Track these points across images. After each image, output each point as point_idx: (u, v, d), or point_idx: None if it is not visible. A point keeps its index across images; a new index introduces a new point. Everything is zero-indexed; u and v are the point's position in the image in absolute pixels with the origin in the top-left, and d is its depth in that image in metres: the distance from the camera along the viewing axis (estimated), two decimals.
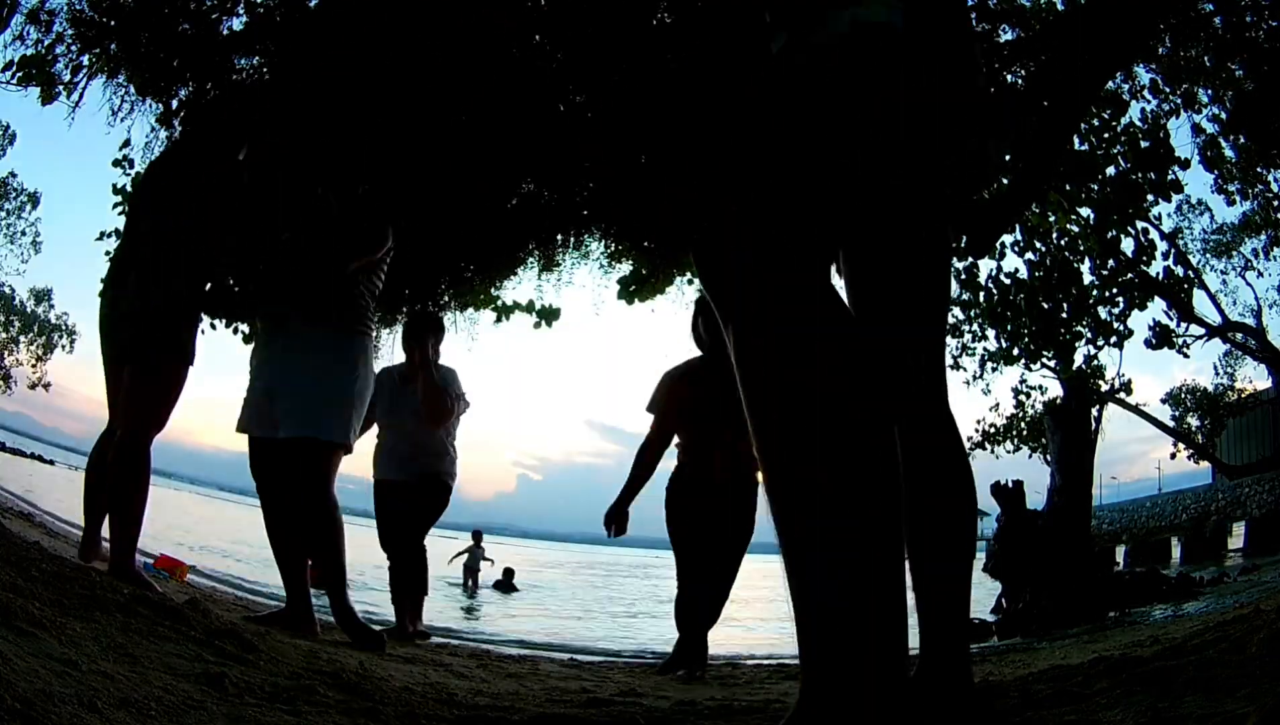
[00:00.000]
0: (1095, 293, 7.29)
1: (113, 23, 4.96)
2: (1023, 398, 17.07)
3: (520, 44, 4.77)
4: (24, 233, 26.11)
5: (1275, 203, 10.62)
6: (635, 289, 6.36)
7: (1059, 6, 5.27)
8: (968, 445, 17.47)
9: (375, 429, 4.52)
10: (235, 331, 6.12)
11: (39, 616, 1.65)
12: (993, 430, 20.24)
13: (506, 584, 11.83)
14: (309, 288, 3.11)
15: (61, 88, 5.12)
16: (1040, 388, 16.31)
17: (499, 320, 6.85)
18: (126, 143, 5.86)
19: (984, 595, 12.17)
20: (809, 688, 1.11)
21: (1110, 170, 5.91)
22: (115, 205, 6.13)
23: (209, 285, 3.56)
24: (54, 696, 1.18)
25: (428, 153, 3.11)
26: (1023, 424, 19.07)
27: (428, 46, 4.36)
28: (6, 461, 18.42)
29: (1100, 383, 11.66)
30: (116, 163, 6.00)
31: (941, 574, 1.55)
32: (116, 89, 5.29)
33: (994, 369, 14.03)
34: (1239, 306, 17.75)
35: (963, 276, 7.70)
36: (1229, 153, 6.45)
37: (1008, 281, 7.45)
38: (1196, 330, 15.77)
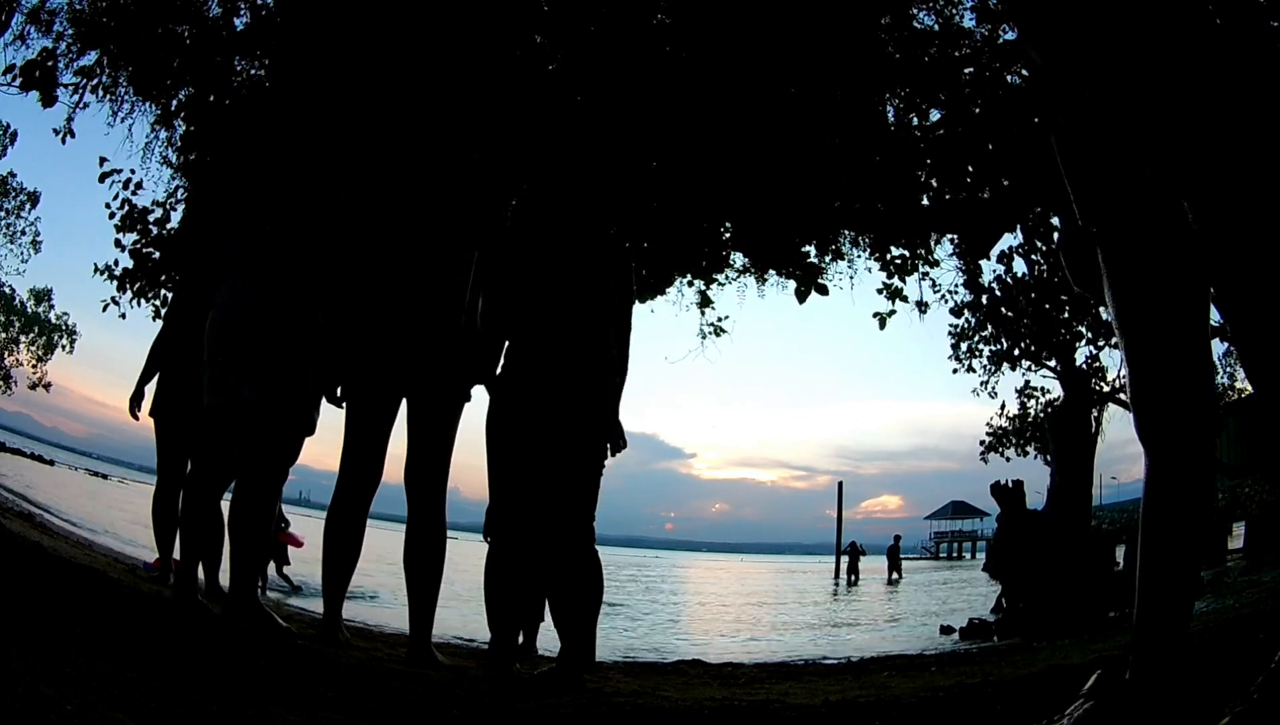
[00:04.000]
0: None
1: (113, 23, 4.97)
2: (1024, 400, 17.14)
3: (521, 45, 4.77)
4: (24, 232, 26.07)
5: None
6: (635, 290, 6.36)
7: None
8: (979, 449, 17.29)
9: None
10: None
11: None
12: (1002, 432, 20.36)
13: None
14: None
15: (63, 89, 5.12)
16: (1042, 389, 16.38)
17: None
18: (104, 161, 5.81)
19: (984, 595, 12.18)
20: None
21: None
22: (116, 214, 6.13)
23: None
24: None
25: (426, 153, 3.10)
26: (1025, 425, 19.13)
27: (429, 47, 4.36)
28: (6, 461, 18.41)
29: (1101, 383, 11.68)
30: (102, 177, 5.94)
31: None
32: (117, 90, 5.29)
33: (996, 370, 14.09)
34: None
35: (964, 277, 7.71)
36: None
37: (1010, 282, 7.47)
38: None
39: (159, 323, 6.38)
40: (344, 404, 2.96)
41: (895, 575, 23.51)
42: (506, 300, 2.77)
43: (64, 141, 5.34)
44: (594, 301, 2.75)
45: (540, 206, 2.89)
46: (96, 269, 6.34)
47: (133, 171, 6.03)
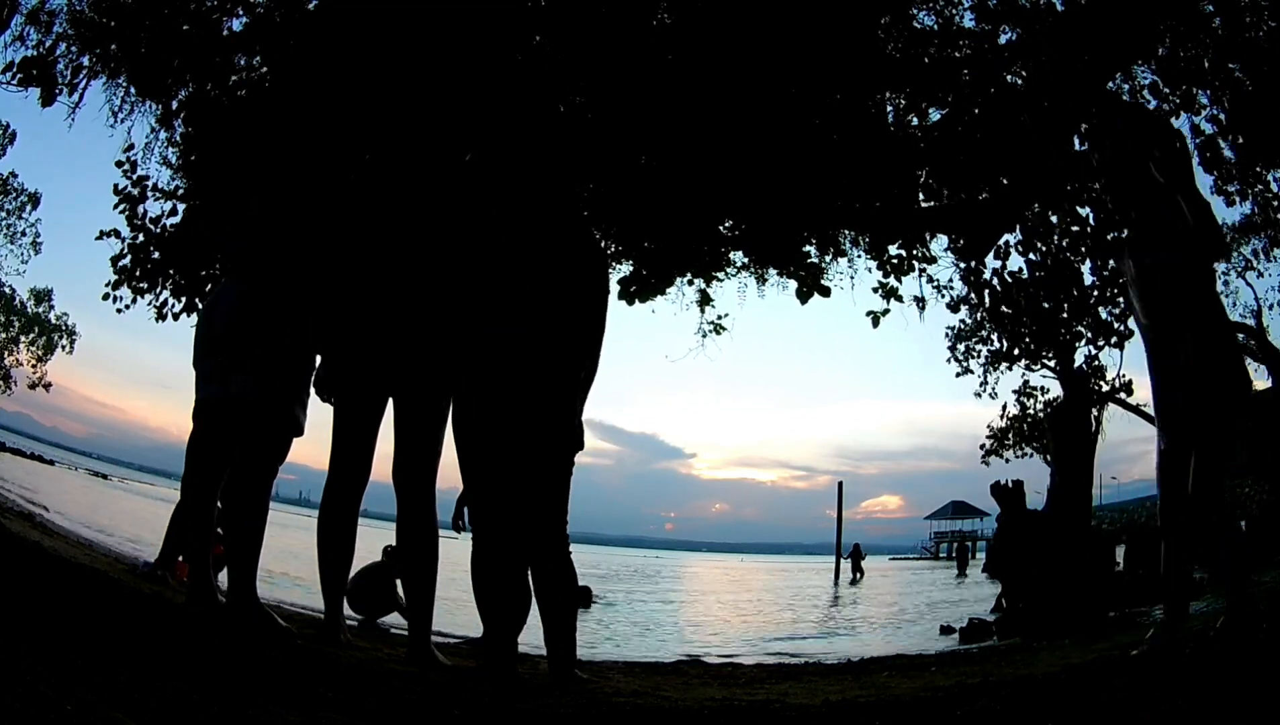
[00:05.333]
0: (1096, 293, 7.30)
1: (113, 23, 4.97)
2: (1024, 400, 17.14)
3: (521, 45, 4.77)
4: (24, 233, 26.03)
5: (1275, 204, 10.61)
6: (635, 289, 6.36)
7: (1058, 7, 5.27)
8: (979, 453, 17.37)
9: None
10: None
11: None
12: (1002, 433, 20.38)
13: (583, 600, 11.24)
14: None
15: (64, 88, 5.12)
16: (1042, 388, 16.38)
17: None
18: (130, 147, 5.84)
19: (984, 595, 12.18)
20: None
21: None
22: (118, 205, 6.13)
23: None
24: None
25: (419, 153, 3.10)
26: (1024, 426, 19.13)
27: (428, 47, 4.36)
28: (6, 461, 18.40)
29: (1101, 383, 11.69)
30: (119, 164, 5.98)
31: None
32: (116, 89, 5.29)
33: (994, 369, 14.09)
34: (1239, 307, 17.68)
35: (967, 276, 7.71)
36: (1227, 154, 6.45)
37: (1010, 281, 7.46)
38: None
39: (159, 324, 6.39)
40: (332, 402, 2.96)
41: (961, 575, 26.18)
42: (475, 298, 2.70)
43: (71, 119, 5.28)
44: (562, 301, 2.67)
45: (513, 202, 2.85)
46: (102, 234, 6.31)
47: (145, 177, 6.03)
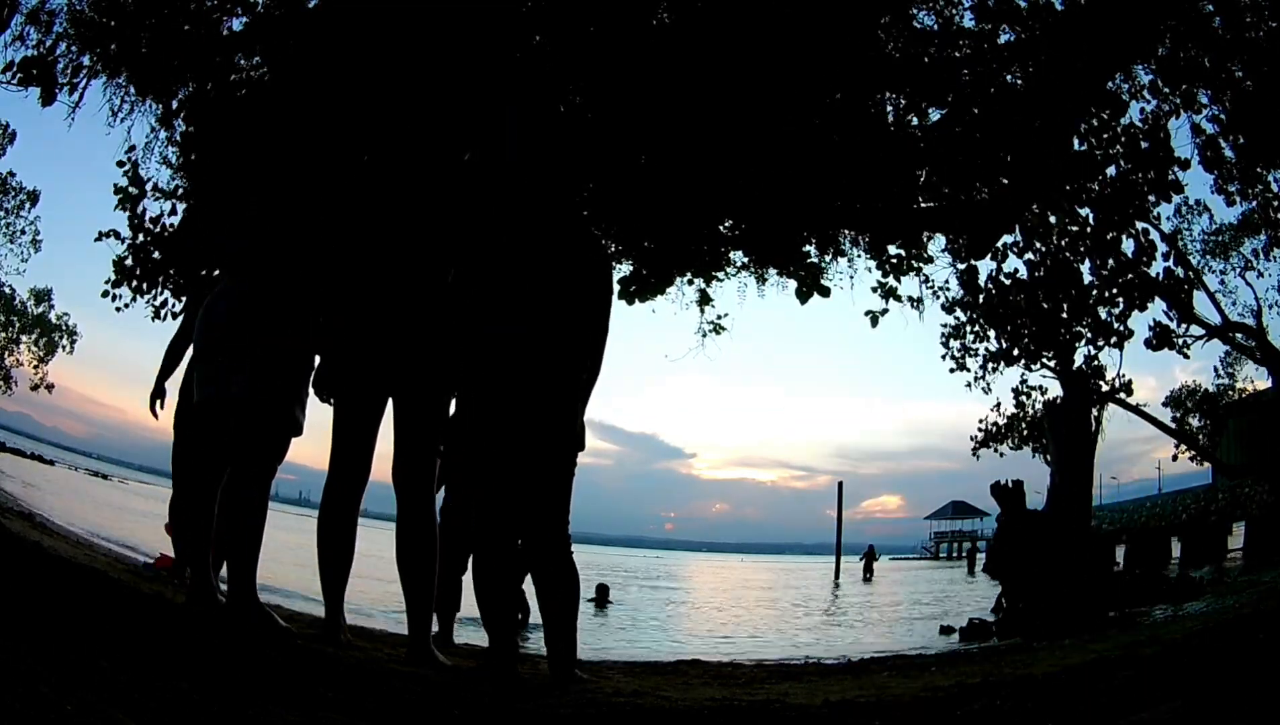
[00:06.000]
0: (1095, 293, 7.30)
1: (113, 23, 4.97)
2: (1023, 398, 17.16)
3: (520, 45, 4.77)
4: (23, 232, 26.07)
5: (1275, 203, 10.61)
6: (635, 289, 6.36)
7: (1058, 7, 5.28)
8: (972, 444, 17.28)
9: None
10: None
11: None
12: (995, 429, 20.40)
13: (601, 600, 11.19)
14: None
15: (64, 88, 5.12)
16: (1040, 388, 16.39)
17: None
18: (133, 148, 5.85)
19: (984, 595, 12.18)
20: None
21: (1110, 170, 5.93)
22: (118, 205, 6.13)
23: None
24: None
25: (418, 151, 3.10)
26: (1023, 424, 19.17)
27: (428, 46, 4.36)
28: (6, 461, 18.39)
29: (1100, 383, 11.68)
30: (120, 164, 5.98)
31: None
32: (116, 89, 5.29)
33: (994, 369, 14.08)
34: (1239, 307, 17.67)
35: (963, 277, 7.71)
36: (1228, 153, 6.45)
37: (1007, 282, 7.46)
38: (1196, 331, 15.76)
39: (158, 323, 6.40)
40: (332, 402, 2.97)
41: (970, 574, 27.01)
42: (477, 298, 2.68)
43: (71, 118, 5.28)
44: (566, 302, 2.65)
45: (516, 201, 2.84)
46: (101, 236, 6.32)
47: (144, 180, 6.04)
